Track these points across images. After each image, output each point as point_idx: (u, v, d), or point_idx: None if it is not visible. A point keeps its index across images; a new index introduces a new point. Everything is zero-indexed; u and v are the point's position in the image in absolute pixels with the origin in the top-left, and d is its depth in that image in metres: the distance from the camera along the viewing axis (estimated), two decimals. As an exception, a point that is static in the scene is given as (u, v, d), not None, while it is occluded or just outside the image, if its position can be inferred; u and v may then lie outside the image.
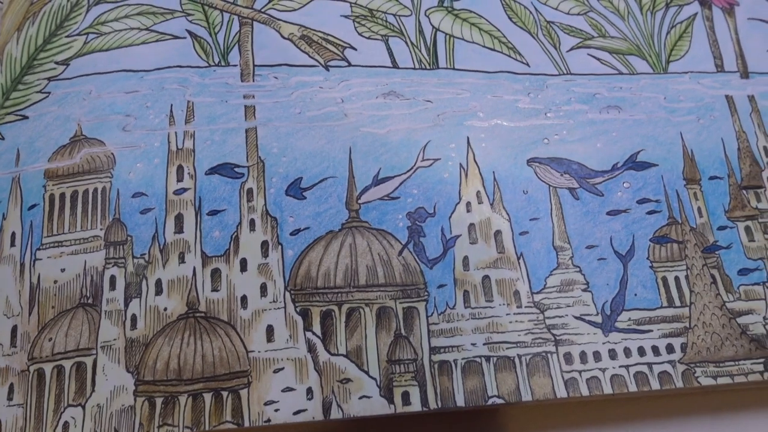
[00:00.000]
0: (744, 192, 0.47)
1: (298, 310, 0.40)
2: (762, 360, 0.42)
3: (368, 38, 0.47)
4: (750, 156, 0.48)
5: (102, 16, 0.45)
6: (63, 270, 0.39)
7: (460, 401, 0.39)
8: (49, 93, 0.43)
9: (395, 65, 0.46)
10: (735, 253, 0.45)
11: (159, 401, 0.37)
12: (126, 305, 0.39)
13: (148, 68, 0.44)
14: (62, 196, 0.41)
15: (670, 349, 0.42)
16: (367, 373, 0.39)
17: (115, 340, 0.38)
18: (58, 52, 0.44)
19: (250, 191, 0.42)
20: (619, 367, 0.41)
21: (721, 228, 0.46)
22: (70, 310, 0.39)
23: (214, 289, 0.40)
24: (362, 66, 0.46)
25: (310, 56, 0.45)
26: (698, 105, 0.49)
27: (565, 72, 0.48)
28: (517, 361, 0.41)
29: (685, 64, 0.50)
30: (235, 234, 0.41)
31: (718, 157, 0.48)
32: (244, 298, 0.40)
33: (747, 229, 0.46)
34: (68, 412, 0.37)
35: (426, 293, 0.41)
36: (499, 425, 0.42)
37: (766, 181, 0.48)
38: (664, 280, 0.44)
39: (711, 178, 0.47)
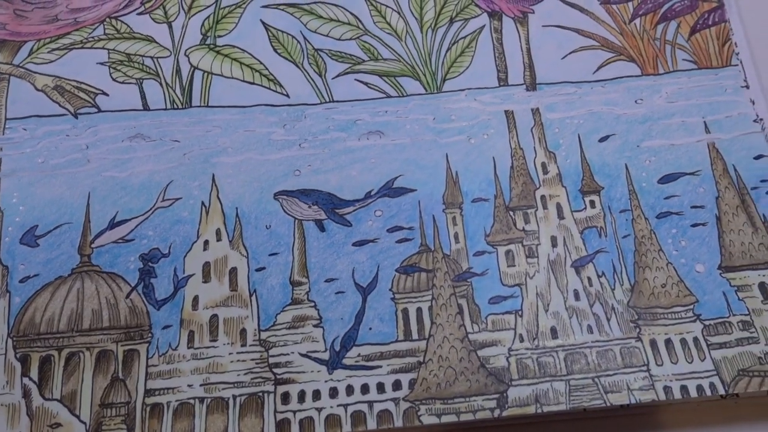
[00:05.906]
0: (511, 213, 0.44)
1: (18, 356, 0.41)
2: (496, 396, 0.39)
3: (122, 83, 0.47)
4: (524, 174, 0.45)
5: None
6: None
7: (166, 444, 0.39)
8: None
9: (146, 107, 0.47)
10: (489, 279, 0.42)
11: None
12: None
13: None
14: None
15: (397, 385, 0.40)
16: (78, 417, 0.39)
17: None
18: None
19: (-14, 242, 0.43)
20: (337, 406, 0.39)
21: (479, 253, 0.43)
22: None
23: (-59, 339, 0.41)
24: (112, 111, 0.47)
25: (61, 105, 0.46)
26: (471, 123, 0.47)
27: (327, 100, 0.47)
28: (231, 401, 0.40)
29: (463, 81, 0.48)
30: (-33, 284, 0.42)
31: (486, 177, 0.45)
32: (-33, 347, 0.41)
33: (508, 253, 0.43)
34: None
35: (150, 335, 0.41)
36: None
37: (540, 200, 0.45)
38: (405, 312, 0.42)
39: (474, 200, 0.45)
